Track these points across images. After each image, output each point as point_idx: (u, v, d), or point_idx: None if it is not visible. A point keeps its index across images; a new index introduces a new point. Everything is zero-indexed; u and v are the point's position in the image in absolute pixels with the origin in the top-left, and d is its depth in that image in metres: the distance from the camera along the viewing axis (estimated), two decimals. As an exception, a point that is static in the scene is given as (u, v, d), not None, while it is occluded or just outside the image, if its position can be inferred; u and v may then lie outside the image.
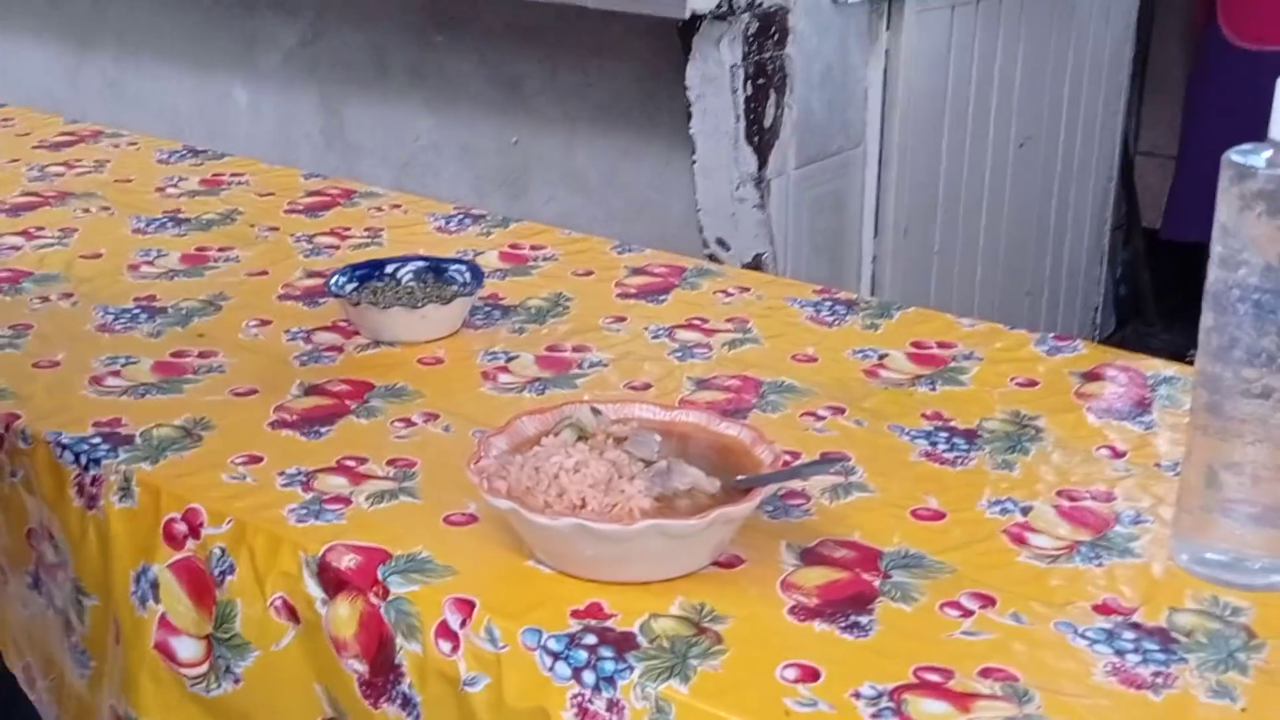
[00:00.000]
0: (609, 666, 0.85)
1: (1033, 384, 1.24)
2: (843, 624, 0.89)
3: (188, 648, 1.05)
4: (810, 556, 0.97)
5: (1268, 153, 0.88)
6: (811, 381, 1.24)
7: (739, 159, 2.13)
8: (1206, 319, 0.92)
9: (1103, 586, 0.94)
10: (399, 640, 0.93)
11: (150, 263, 1.53)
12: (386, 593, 0.94)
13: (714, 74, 2.08)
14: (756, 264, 2.15)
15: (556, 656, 0.87)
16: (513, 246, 1.58)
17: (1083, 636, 0.88)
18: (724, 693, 0.83)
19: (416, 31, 2.62)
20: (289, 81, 2.85)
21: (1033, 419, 1.17)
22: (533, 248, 1.58)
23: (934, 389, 1.23)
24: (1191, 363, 0.97)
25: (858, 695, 0.83)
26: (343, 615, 0.96)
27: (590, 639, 0.88)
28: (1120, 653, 0.87)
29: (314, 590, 0.98)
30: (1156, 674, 0.85)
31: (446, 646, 0.91)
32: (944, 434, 1.15)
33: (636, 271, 1.51)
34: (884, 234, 2.43)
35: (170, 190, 1.78)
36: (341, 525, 1.01)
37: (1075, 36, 2.76)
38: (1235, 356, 0.91)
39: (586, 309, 1.41)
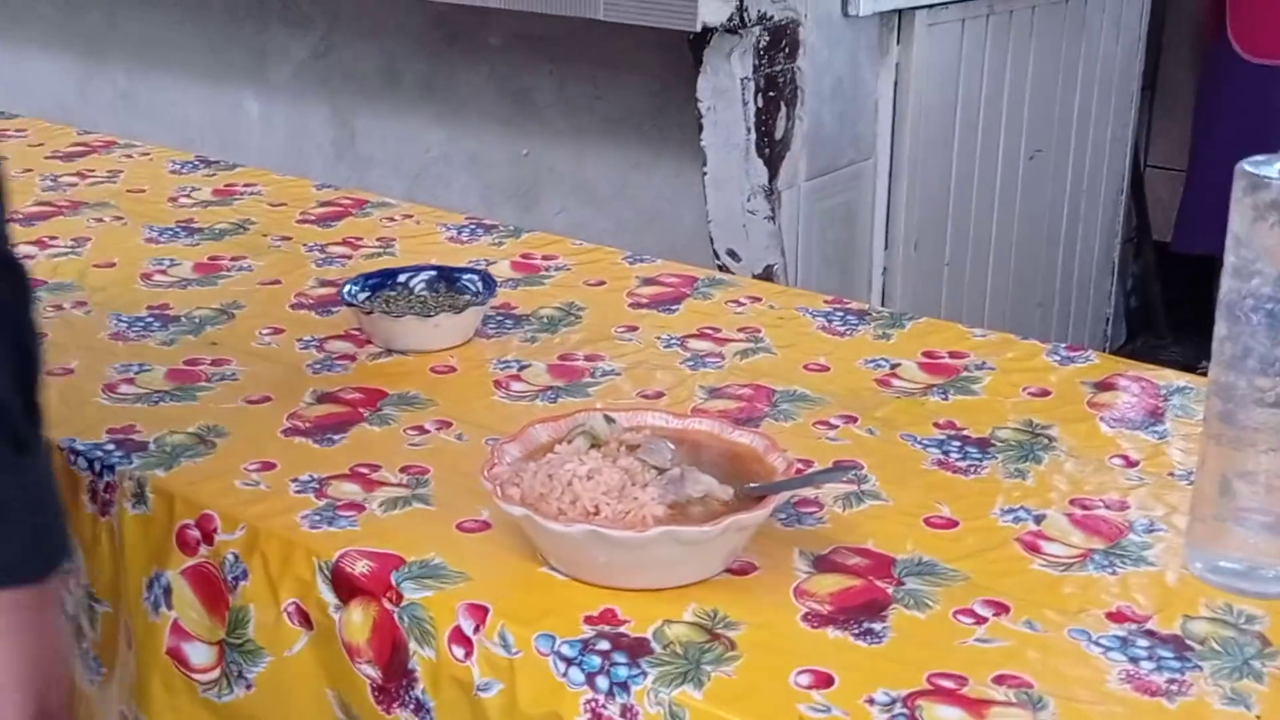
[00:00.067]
0: (622, 672, 0.85)
1: (1045, 394, 1.24)
2: (856, 631, 0.89)
3: (200, 653, 1.05)
4: (823, 564, 0.97)
5: (1281, 163, 0.89)
6: (824, 391, 1.25)
7: (750, 171, 2.13)
8: (1220, 328, 0.93)
9: (1116, 594, 0.93)
10: (412, 646, 0.93)
11: (163, 271, 1.54)
12: (400, 598, 0.94)
13: (725, 86, 2.08)
14: (767, 275, 2.15)
15: (570, 662, 0.87)
16: (525, 256, 1.59)
17: (1097, 644, 0.88)
18: (737, 699, 0.83)
19: (427, 44, 2.63)
20: (300, 93, 2.87)
21: (1045, 428, 1.17)
22: (544, 258, 1.58)
23: (946, 398, 1.23)
24: (1203, 375, 0.97)
25: (871, 701, 0.82)
26: (356, 621, 0.96)
27: (604, 645, 0.87)
28: (1134, 660, 0.87)
29: (327, 596, 0.98)
30: (1171, 681, 0.85)
31: (460, 652, 0.91)
32: (956, 443, 1.15)
33: (648, 281, 1.51)
34: (894, 246, 2.43)
35: (183, 200, 1.79)
36: (355, 531, 1.01)
37: (1085, 50, 2.77)
38: (1249, 366, 0.91)
39: (599, 318, 1.41)
